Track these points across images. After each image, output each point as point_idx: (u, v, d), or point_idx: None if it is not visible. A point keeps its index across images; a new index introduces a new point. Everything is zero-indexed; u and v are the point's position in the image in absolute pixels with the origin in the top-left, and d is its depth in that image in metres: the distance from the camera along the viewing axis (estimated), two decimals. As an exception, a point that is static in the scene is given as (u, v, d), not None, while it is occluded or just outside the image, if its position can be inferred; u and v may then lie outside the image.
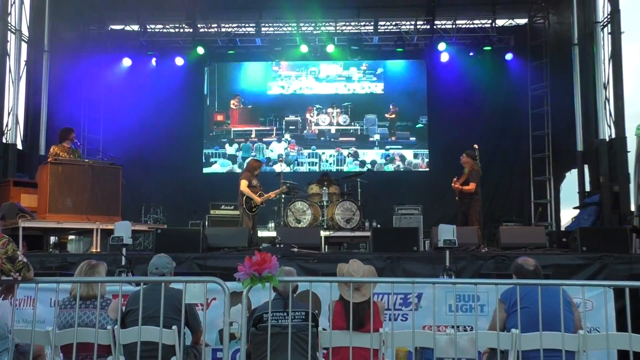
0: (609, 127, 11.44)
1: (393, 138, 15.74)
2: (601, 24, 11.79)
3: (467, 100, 14.89)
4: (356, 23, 15.35)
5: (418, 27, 15.11)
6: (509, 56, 14.92)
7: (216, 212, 12.75)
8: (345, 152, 15.70)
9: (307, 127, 15.85)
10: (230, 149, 15.86)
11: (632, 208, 10.61)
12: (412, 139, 15.66)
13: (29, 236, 8.99)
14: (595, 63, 11.79)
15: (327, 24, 15.28)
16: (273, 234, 10.88)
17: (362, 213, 11.16)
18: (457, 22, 15.07)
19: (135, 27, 15.41)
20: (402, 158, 15.67)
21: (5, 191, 9.86)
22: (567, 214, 13.61)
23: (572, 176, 13.67)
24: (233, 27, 15.47)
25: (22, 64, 12.27)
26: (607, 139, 11.39)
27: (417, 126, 15.63)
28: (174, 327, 4.52)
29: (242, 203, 10.46)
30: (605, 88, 11.65)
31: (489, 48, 14.81)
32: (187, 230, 10.89)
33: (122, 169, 9.85)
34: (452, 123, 14.82)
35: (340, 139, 15.82)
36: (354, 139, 15.79)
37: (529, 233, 9.48)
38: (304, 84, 16.02)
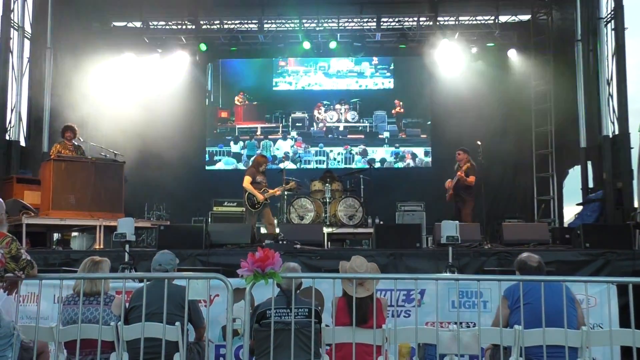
0: (613, 123, 11.41)
1: (403, 135, 15.72)
2: (605, 20, 11.74)
3: (470, 97, 14.83)
4: (359, 19, 15.31)
5: (421, 23, 15.07)
6: (512, 52, 14.87)
7: (219, 209, 12.78)
8: (354, 149, 15.68)
9: (315, 124, 15.83)
10: (235, 147, 15.86)
11: (636, 204, 10.60)
12: (424, 136, 15.64)
13: (32, 233, 9.01)
14: (598, 59, 11.75)
15: (329, 21, 15.25)
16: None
17: (364, 210, 11.17)
18: (460, 18, 15.02)
19: (138, 24, 15.39)
20: (414, 156, 15.66)
21: (9, 188, 9.89)
22: (570, 211, 13.61)
23: (575, 172, 13.63)
24: (236, 24, 15.44)
25: (25, 60, 12.26)
26: (611, 136, 11.36)
27: (427, 123, 15.62)
28: (177, 323, 4.54)
29: (245, 199, 10.45)
30: (608, 84, 11.61)
31: (492, 44, 14.77)
32: (190, 226, 10.89)
33: (124, 166, 9.86)
34: (454, 119, 14.77)
35: (348, 136, 15.80)
36: (362, 136, 15.78)
37: (532, 229, 9.46)
38: (313, 80, 16.01)
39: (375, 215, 11.75)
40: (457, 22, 15.00)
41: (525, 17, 15.29)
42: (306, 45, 14.81)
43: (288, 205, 11.06)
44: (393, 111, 15.76)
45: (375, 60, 15.87)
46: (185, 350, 4.60)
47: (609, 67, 11.58)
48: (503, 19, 15.10)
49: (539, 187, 14.78)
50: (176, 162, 15.08)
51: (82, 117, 14.38)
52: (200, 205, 13.24)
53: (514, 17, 15.32)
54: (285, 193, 11.32)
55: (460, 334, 4.33)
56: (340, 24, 15.30)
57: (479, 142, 10.12)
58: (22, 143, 12.03)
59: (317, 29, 15.16)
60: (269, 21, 15.29)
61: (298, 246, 8.21)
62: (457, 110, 14.83)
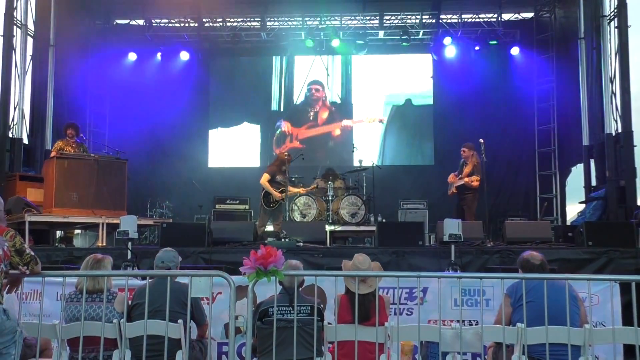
0: (615, 121, 11.39)
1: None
2: (608, 17, 11.73)
3: (473, 95, 14.85)
4: (361, 17, 15.30)
5: (424, 21, 15.06)
6: (515, 50, 14.84)
7: (221, 207, 12.78)
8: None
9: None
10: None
11: (639, 202, 10.59)
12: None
13: (35, 230, 9.03)
14: (601, 57, 11.73)
15: (332, 18, 15.26)
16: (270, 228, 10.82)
17: (367, 207, 11.17)
18: (463, 16, 15.01)
19: (141, 22, 15.41)
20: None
21: (12, 185, 9.91)
22: (573, 209, 13.58)
23: (578, 170, 13.61)
24: (238, 22, 15.44)
25: (28, 58, 12.28)
26: (614, 133, 11.35)
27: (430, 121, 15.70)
28: (180, 320, 4.54)
29: (261, 196, 10.36)
30: (611, 82, 11.60)
31: (495, 42, 14.74)
32: (192, 224, 10.93)
33: (127, 163, 9.87)
34: (457, 117, 14.79)
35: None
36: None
37: (535, 227, 9.44)
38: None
39: (377, 213, 11.75)
40: (460, 20, 14.99)
41: (528, 15, 15.28)
42: (309, 43, 14.81)
43: (290, 203, 11.06)
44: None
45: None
46: (188, 347, 4.60)
47: (612, 65, 11.56)
48: (506, 16, 15.09)
49: (541, 185, 14.78)
50: (178, 159, 15.11)
51: (85, 115, 14.46)
52: (202, 203, 13.23)
53: (516, 15, 15.31)
54: (302, 193, 11.17)
55: (462, 332, 4.33)
56: (342, 22, 15.29)
57: (481, 140, 10.10)
58: (25, 141, 12.05)
59: (320, 26, 15.16)
60: (272, 19, 15.29)
61: (300, 244, 8.22)
62: (459, 108, 14.84)
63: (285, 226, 9.21)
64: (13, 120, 11.69)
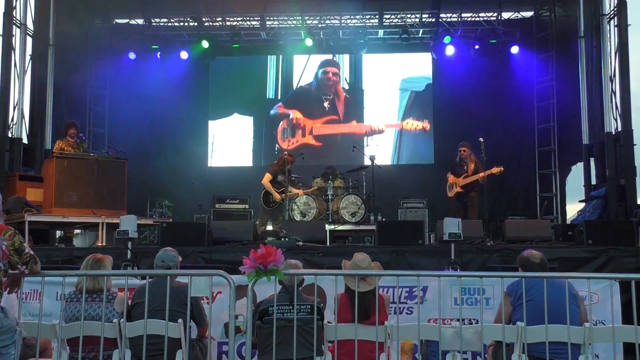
0: (615, 120, 11.40)
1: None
2: (608, 16, 11.72)
3: (473, 94, 14.83)
4: (361, 16, 15.29)
5: (423, 20, 15.04)
6: (514, 49, 14.83)
7: (221, 206, 12.78)
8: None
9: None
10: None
11: (639, 201, 10.59)
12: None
13: (34, 230, 9.03)
14: (601, 56, 11.73)
15: (331, 17, 15.25)
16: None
17: (367, 207, 11.16)
18: (463, 15, 14.99)
19: (140, 21, 15.39)
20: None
21: (12, 185, 9.90)
22: (573, 208, 13.58)
23: (577, 169, 13.61)
24: (238, 21, 15.43)
25: (27, 58, 12.28)
26: (613, 132, 11.35)
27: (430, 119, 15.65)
28: (180, 320, 4.54)
29: (261, 196, 10.37)
30: (611, 81, 11.60)
31: (494, 41, 14.74)
32: (192, 223, 10.93)
33: (127, 163, 9.87)
34: (457, 116, 14.78)
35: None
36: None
37: (535, 226, 9.45)
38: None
39: (377, 212, 11.74)
40: (459, 19, 14.97)
41: (528, 14, 15.27)
42: (308, 42, 14.80)
43: (290, 203, 11.05)
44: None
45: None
46: (188, 347, 4.61)
47: (612, 63, 11.57)
48: (506, 15, 15.07)
49: (541, 184, 14.77)
50: (178, 159, 15.11)
51: (85, 114, 14.46)
52: (202, 203, 13.23)
53: (516, 14, 15.29)
54: (302, 194, 11.15)
55: (462, 331, 4.33)
56: (342, 21, 15.28)
57: (481, 139, 10.08)
58: (25, 140, 12.04)
59: (320, 25, 15.15)
60: (271, 18, 15.28)
61: (300, 243, 8.21)
62: (459, 106, 14.83)
63: (285, 225, 9.20)
64: (12, 120, 11.69)
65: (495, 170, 10.20)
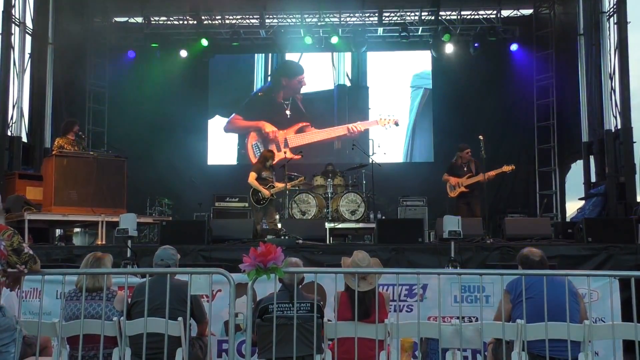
0: (615, 117, 11.40)
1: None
2: (607, 13, 11.72)
3: (472, 91, 14.85)
4: (360, 14, 15.28)
5: (423, 18, 15.02)
6: (514, 47, 14.84)
7: (221, 204, 12.78)
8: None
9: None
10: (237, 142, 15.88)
11: (638, 199, 10.59)
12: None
13: (34, 229, 9.02)
14: (601, 53, 11.73)
15: (331, 15, 15.23)
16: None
17: (366, 205, 11.16)
18: (462, 12, 14.98)
19: (140, 19, 15.38)
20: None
21: (11, 184, 9.90)
22: (573, 205, 13.58)
23: (577, 167, 13.62)
24: (237, 19, 15.42)
25: (27, 56, 12.27)
26: (613, 130, 11.35)
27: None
28: (180, 318, 4.54)
29: (249, 195, 10.41)
30: (611, 78, 11.60)
31: (494, 39, 14.72)
32: (192, 222, 10.94)
33: (126, 161, 9.86)
34: (457, 114, 14.77)
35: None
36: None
37: (535, 224, 9.44)
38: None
39: (377, 210, 11.74)
40: (459, 17, 14.96)
41: (528, 12, 15.26)
42: (308, 40, 14.79)
43: (290, 201, 11.05)
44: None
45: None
46: (188, 345, 4.61)
47: (612, 61, 11.56)
48: (505, 13, 15.05)
49: (541, 182, 14.77)
50: (177, 157, 15.10)
51: (84, 113, 14.45)
52: (202, 201, 13.22)
53: (516, 12, 15.28)
54: (289, 188, 11.20)
55: (462, 329, 4.33)
56: (341, 19, 15.27)
57: (481, 137, 10.07)
58: (24, 139, 12.04)
59: (319, 23, 15.14)
60: (271, 16, 15.27)
61: (300, 241, 8.21)
62: (459, 104, 14.83)
63: (284, 224, 9.20)
64: (12, 118, 11.68)
65: (506, 168, 10.18)
